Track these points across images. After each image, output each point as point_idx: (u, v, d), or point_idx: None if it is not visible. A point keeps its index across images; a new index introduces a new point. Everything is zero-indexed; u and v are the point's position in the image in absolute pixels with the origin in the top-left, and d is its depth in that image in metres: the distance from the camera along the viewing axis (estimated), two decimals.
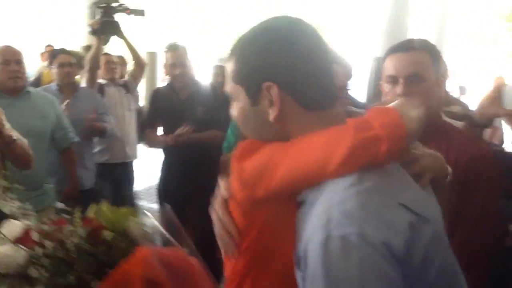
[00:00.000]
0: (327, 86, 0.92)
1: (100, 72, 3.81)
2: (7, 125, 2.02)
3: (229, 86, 0.95)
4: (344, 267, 0.74)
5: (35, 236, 0.93)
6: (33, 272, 0.86)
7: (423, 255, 0.79)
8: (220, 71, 3.88)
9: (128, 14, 3.18)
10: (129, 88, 4.06)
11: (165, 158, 3.37)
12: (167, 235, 1.09)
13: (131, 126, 4.04)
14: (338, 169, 0.81)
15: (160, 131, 3.39)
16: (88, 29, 3.32)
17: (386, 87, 1.54)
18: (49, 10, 10.45)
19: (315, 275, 0.76)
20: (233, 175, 0.92)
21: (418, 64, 1.47)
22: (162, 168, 3.37)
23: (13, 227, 0.95)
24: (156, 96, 3.40)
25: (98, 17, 3.22)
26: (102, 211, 0.98)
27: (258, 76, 0.89)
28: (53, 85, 3.44)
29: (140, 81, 4.33)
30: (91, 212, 0.97)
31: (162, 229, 1.08)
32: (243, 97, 0.93)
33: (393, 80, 1.49)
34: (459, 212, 1.39)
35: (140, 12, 3.23)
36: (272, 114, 0.89)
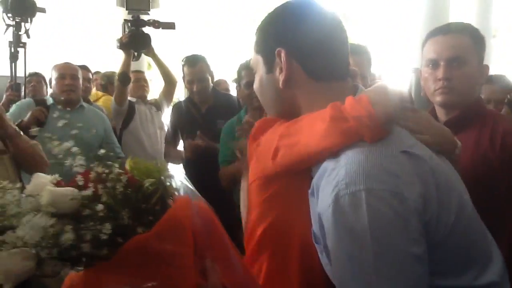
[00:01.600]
0: (336, 60, 0.95)
1: (130, 89, 3.74)
2: (7, 118, 2.11)
3: (252, 58, 1.03)
4: (355, 220, 0.78)
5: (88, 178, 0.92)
6: (87, 211, 0.83)
7: (436, 197, 0.82)
8: None
9: (156, 27, 3.09)
10: (159, 106, 3.98)
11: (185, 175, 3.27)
12: (193, 188, 1.11)
13: (162, 145, 3.94)
14: (327, 151, 0.86)
15: (180, 146, 3.33)
16: (117, 44, 3.25)
17: (425, 71, 1.47)
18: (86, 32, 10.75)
19: (329, 233, 0.81)
20: (250, 152, 1.01)
21: (459, 47, 1.41)
22: None
23: (41, 179, 0.94)
24: (176, 110, 3.37)
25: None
26: (132, 165, 0.96)
27: (271, 43, 0.95)
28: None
29: (171, 99, 4.18)
30: (127, 164, 0.97)
31: (188, 183, 1.10)
32: (261, 67, 1.00)
33: (434, 63, 1.44)
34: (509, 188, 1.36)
35: (169, 25, 3.11)
36: (281, 79, 0.95)
